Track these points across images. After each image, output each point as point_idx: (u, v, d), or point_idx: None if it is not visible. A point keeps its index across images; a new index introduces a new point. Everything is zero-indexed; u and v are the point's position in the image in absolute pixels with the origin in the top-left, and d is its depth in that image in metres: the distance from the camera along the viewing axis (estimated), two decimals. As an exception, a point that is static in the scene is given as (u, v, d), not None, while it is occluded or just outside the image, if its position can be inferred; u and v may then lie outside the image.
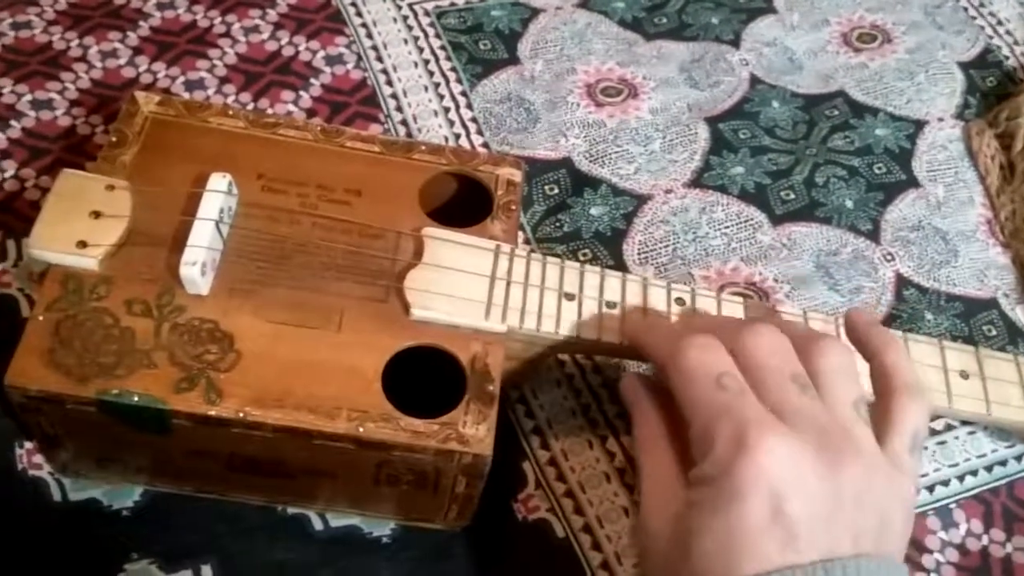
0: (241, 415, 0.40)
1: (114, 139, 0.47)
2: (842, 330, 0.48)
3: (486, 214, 0.48)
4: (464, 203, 0.50)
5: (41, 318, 0.41)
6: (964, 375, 0.49)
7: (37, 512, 0.45)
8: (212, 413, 0.40)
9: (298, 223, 0.45)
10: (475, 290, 0.44)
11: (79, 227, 0.42)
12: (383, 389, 0.41)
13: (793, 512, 0.34)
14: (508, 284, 0.45)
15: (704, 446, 0.37)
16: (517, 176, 0.49)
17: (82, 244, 0.42)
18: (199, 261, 0.41)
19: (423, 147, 0.49)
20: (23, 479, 0.46)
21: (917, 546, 0.50)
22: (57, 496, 0.46)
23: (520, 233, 0.57)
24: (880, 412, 0.40)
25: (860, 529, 0.36)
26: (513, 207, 0.48)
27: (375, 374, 0.42)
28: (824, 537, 0.35)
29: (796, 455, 0.35)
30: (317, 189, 0.46)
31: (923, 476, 0.52)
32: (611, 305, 0.46)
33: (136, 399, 0.39)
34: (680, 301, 0.47)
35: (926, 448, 0.53)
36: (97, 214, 0.43)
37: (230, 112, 0.49)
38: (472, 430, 0.41)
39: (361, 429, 0.40)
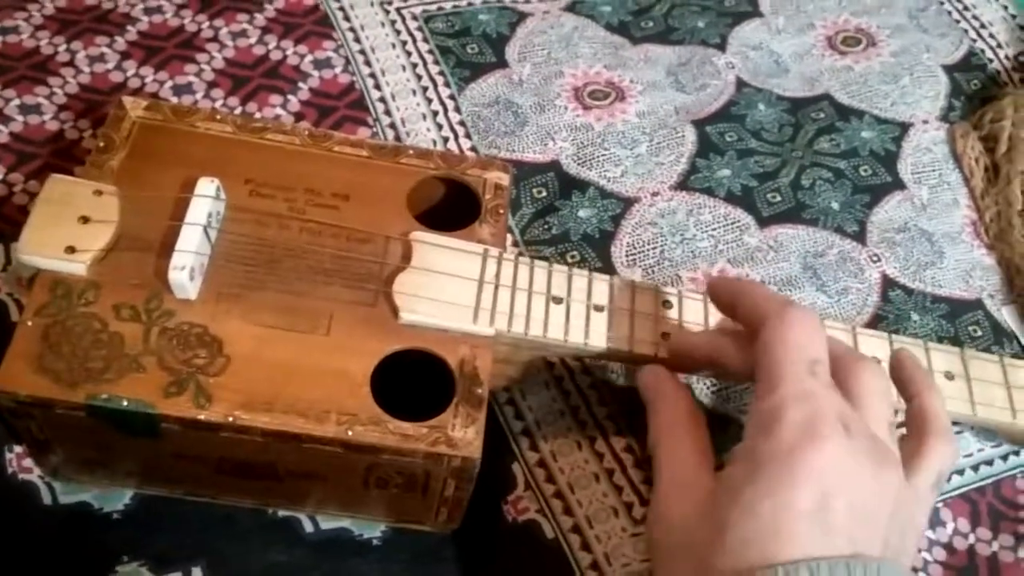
0: (230, 419, 0.40)
1: (101, 144, 0.47)
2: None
3: (474, 218, 0.48)
4: (452, 207, 0.50)
5: (30, 323, 0.41)
6: (949, 376, 0.49)
7: (27, 516, 0.45)
8: (201, 417, 0.40)
9: (286, 227, 0.45)
10: (463, 294, 0.44)
11: (67, 232, 0.43)
12: (372, 393, 0.41)
13: (838, 507, 0.36)
14: (496, 288, 0.45)
15: (769, 421, 0.37)
16: (505, 180, 0.50)
17: (71, 249, 0.42)
18: (187, 266, 0.41)
19: (411, 151, 0.50)
20: (13, 483, 0.46)
21: (904, 545, 0.51)
22: (48, 500, 0.46)
23: (508, 236, 0.57)
24: (911, 447, 0.42)
25: (888, 537, 0.37)
26: (501, 211, 0.48)
27: (364, 378, 0.42)
28: (858, 536, 0.36)
29: (854, 456, 0.37)
30: (305, 193, 0.47)
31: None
32: (599, 308, 0.46)
33: (125, 404, 0.39)
34: (668, 304, 0.47)
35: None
36: (85, 219, 0.43)
37: (218, 117, 0.49)
38: (461, 433, 0.41)
39: (350, 432, 0.40)
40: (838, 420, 0.37)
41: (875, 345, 0.49)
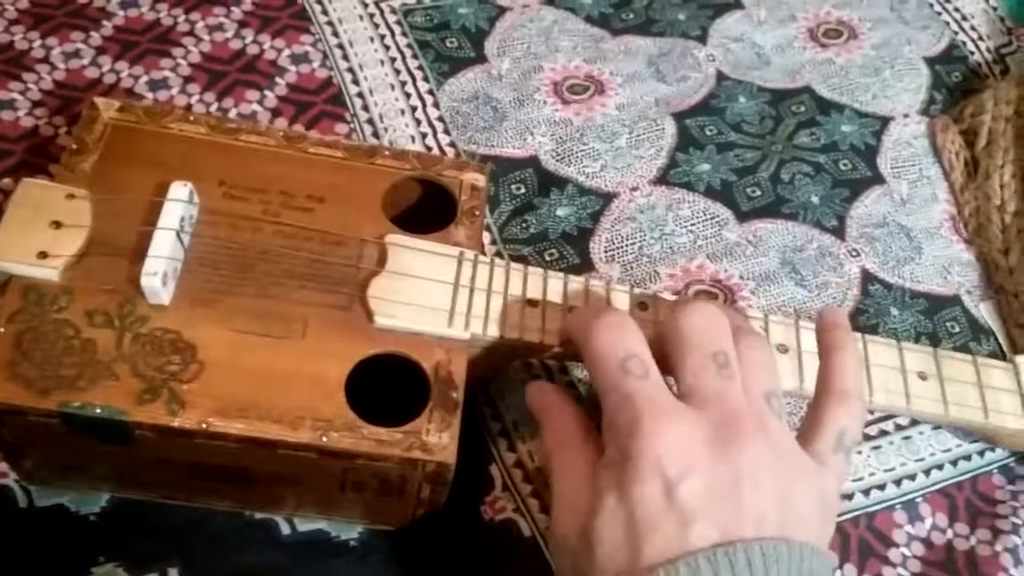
0: (204, 426, 0.40)
1: (74, 146, 0.46)
2: (801, 332, 0.48)
3: (450, 219, 0.48)
4: (429, 207, 0.50)
5: (2, 330, 0.41)
6: (923, 376, 0.49)
7: (3, 519, 0.45)
8: (175, 424, 0.40)
9: (260, 231, 0.45)
10: (438, 298, 0.44)
11: (39, 237, 0.42)
12: (347, 397, 0.42)
13: (686, 493, 0.35)
14: (471, 291, 0.45)
15: (609, 431, 0.38)
16: (481, 181, 0.50)
17: (43, 255, 0.42)
18: (160, 271, 0.41)
19: (387, 152, 0.49)
20: (-11, 487, 0.46)
21: (884, 539, 0.51)
22: (23, 503, 0.46)
23: (487, 234, 0.57)
24: (811, 410, 0.41)
25: (762, 512, 0.36)
26: (477, 212, 0.48)
27: (339, 383, 0.42)
28: (722, 518, 0.35)
29: (689, 437, 0.36)
30: (279, 196, 0.46)
31: (889, 470, 0.53)
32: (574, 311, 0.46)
33: (98, 411, 0.39)
34: (643, 306, 0.47)
35: (892, 443, 0.54)
36: (57, 224, 0.43)
37: (191, 118, 0.48)
38: (435, 438, 0.41)
39: (324, 439, 0.40)
40: (673, 404, 0.37)
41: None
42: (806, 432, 0.41)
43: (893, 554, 0.51)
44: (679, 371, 0.39)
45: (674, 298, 0.48)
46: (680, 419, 0.37)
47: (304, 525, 0.47)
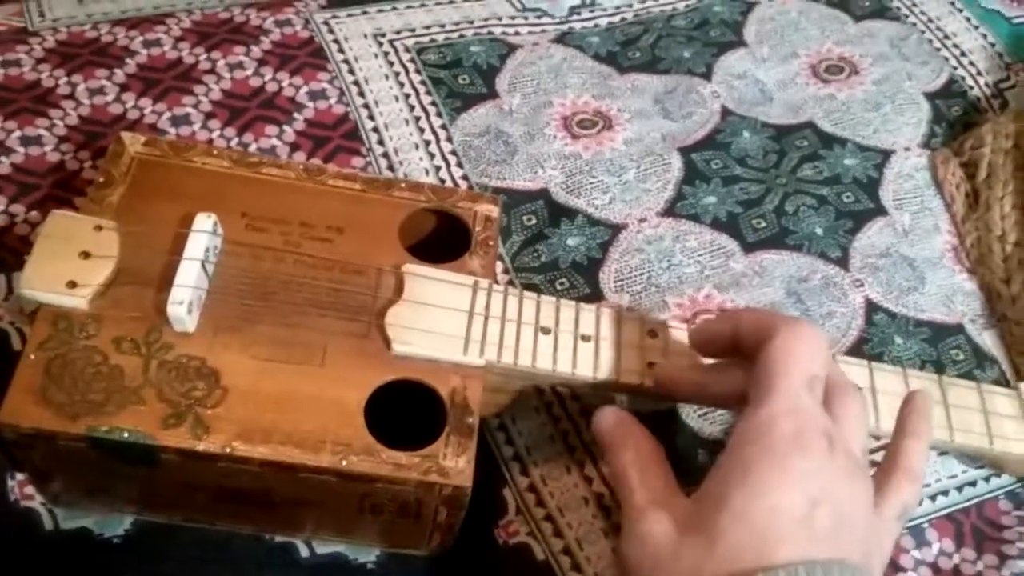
0: (228, 450, 0.41)
1: (101, 180, 0.48)
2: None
3: (465, 248, 0.50)
4: (443, 238, 0.51)
5: (32, 356, 0.42)
6: (927, 402, 0.50)
7: (30, 541, 0.46)
8: (199, 448, 0.41)
9: (281, 260, 0.47)
10: (454, 325, 0.46)
11: (68, 267, 0.44)
12: (366, 422, 0.43)
13: (823, 515, 0.38)
14: (486, 319, 0.46)
15: (763, 430, 0.39)
16: (494, 212, 0.51)
17: (72, 284, 0.43)
18: (186, 300, 0.42)
19: (403, 184, 0.51)
20: (16, 510, 0.47)
21: (892, 565, 0.51)
22: (49, 525, 0.47)
23: (499, 263, 0.58)
24: (882, 478, 0.44)
25: (866, 550, 0.39)
26: (491, 242, 0.50)
27: (358, 408, 0.43)
28: (839, 546, 0.38)
29: (835, 469, 0.39)
30: (300, 227, 0.48)
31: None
32: (586, 338, 0.47)
33: (125, 435, 0.41)
34: (653, 333, 0.48)
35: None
36: (86, 254, 0.44)
37: (214, 152, 0.50)
38: (452, 462, 0.42)
39: (344, 462, 0.41)
40: (824, 435, 0.39)
41: (855, 373, 0.50)
42: (878, 493, 0.43)
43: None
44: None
45: (683, 327, 0.49)
46: (831, 451, 0.39)
47: (323, 548, 0.48)
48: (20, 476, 0.47)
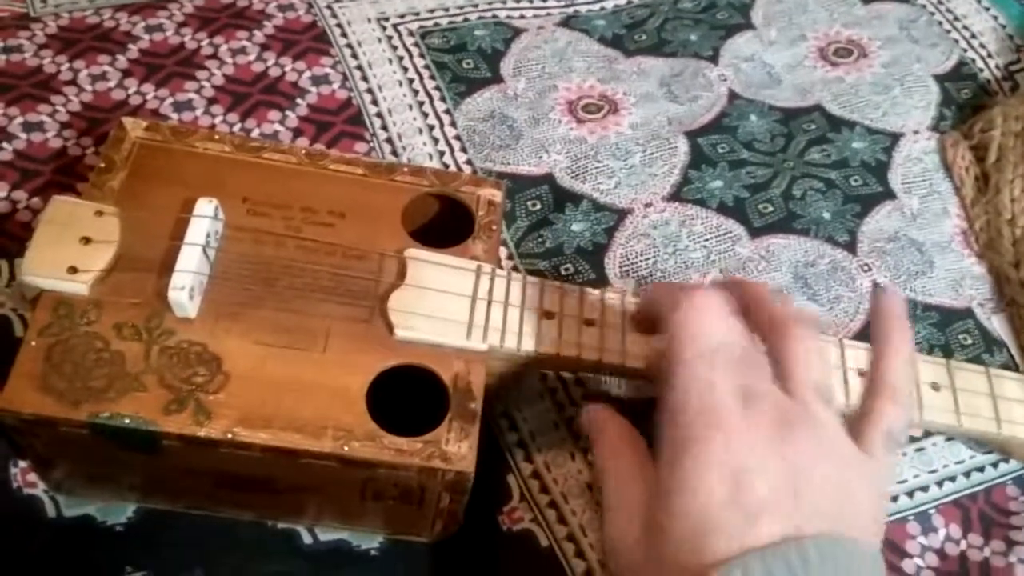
0: (229, 436, 0.41)
1: (102, 165, 0.48)
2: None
3: (468, 233, 0.49)
4: (446, 223, 0.51)
5: (33, 343, 0.42)
6: (935, 387, 0.50)
7: (32, 529, 0.46)
8: (201, 434, 0.41)
9: (283, 246, 0.46)
10: (457, 310, 0.45)
11: (69, 253, 0.44)
12: (368, 408, 0.42)
13: (753, 486, 0.35)
14: (489, 304, 0.46)
15: (671, 418, 0.38)
16: (498, 196, 0.51)
17: (72, 270, 0.43)
18: (187, 286, 0.42)
19: (405, 169, 0.51)
20: (18, 497, 0.47)
21: (897, 551, 0.51)
22: (52, 513, 0.47)
23: (503, 249, 0.58)
24: (861, 407, 0.41)
25: (820, 508, 0.36)
26: (494, 227, 0.49)
27: (360, 393, 0.43)
28: (785, 514, 0.35)
29: (757, 429, 0.37)
30: (301, 212, 0.48)
31: (902, 482, 0.53)
32: (590, 323, 0.47)
33: (127, 421, 0.40)
34: (657, 317, 0.48)
35: (904, 454, 0.54)
36: (87, 240, 0.44)
37: (216, 137, 0.50)
38: (455, 448, 0.42)
39: (346, 448, 0.41)
40: (737, 398, 0.37)
41: (863, 357, 0.49)
42: (856, 426, 0.40)
43: (907, 565, 0.51)
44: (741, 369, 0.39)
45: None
46: (748, 411, 0.37)
47: (326, 535, 0.48)
48: (23, 464, 0.47)
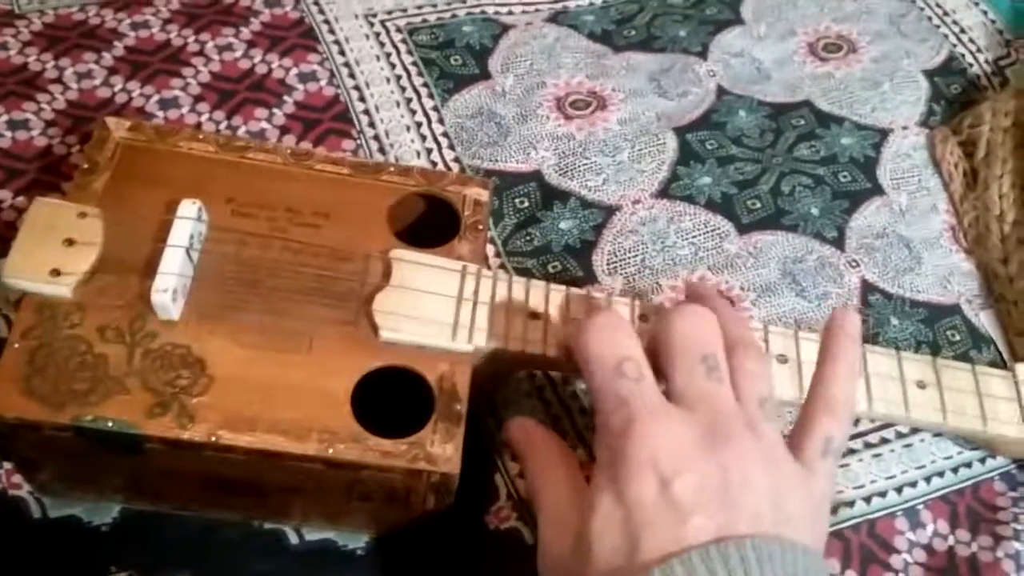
0: (213, 439, 0.41)
1: (85, 166, 0.47)
2: (801, 342, 0.49)
3: (454, 233, 0.49)
4: (433, 222, 0.51)
5: (16, 345, 0.42)
6: (921, 385, 0.50)
7: (18, 530, 0.46)
8: (184, 437, 0.41)
9: (268, 247, 0.46)
10: (442, 311, 0.45)
11: (52, 255, 0.43)
12: (353, 410, 0.42)
13: (681, 489, 0.36)
14: (475, 304, 0.46)
15: (602, 433, 0.39)
16: (484, 196, 0.50)
17: (55, 272, 0.43)
18: (170, 288, 0.42)
19: (391, 168, 0.50)
20: (3, 499, 0.47)
21: (886, 546, 0.51)
22: (37, 514, 0.47)
23: (491, 247, 0.58)
24: (800, 416, 0.42)
25: (756, 509, 0.36)
26: (480, 227, 0.49)
27: (345, 396, 0.43)
28: (718, 514, 0.36)
29: (681, 436, 0.37)
30: (286, 212, 0.47)
31: (890, 478, 0.54)
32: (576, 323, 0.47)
33: (110, 425, 0.40)
34: (644, 318, 0.48)
35: (892, 451, 0.54)
36: (70, 242, 0.44)
37: (200, 136, 0.50)
38: (440, 449, 0.42)
39: (331, 451, 0.41)
40: (664, 405, 0.38)
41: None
42: (794, 438, 0.41)
43: (895, 560, 0.51)
44: (669, 374, 0.40)
45: (674, 310, 0.49)
46: (671, 419, 0.38)
47: (312, 534, 0.48)
48: (7, 465, 0.47)
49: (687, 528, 0.35)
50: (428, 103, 0.64)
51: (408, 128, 0.63)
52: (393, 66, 0.65)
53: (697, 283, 0.58)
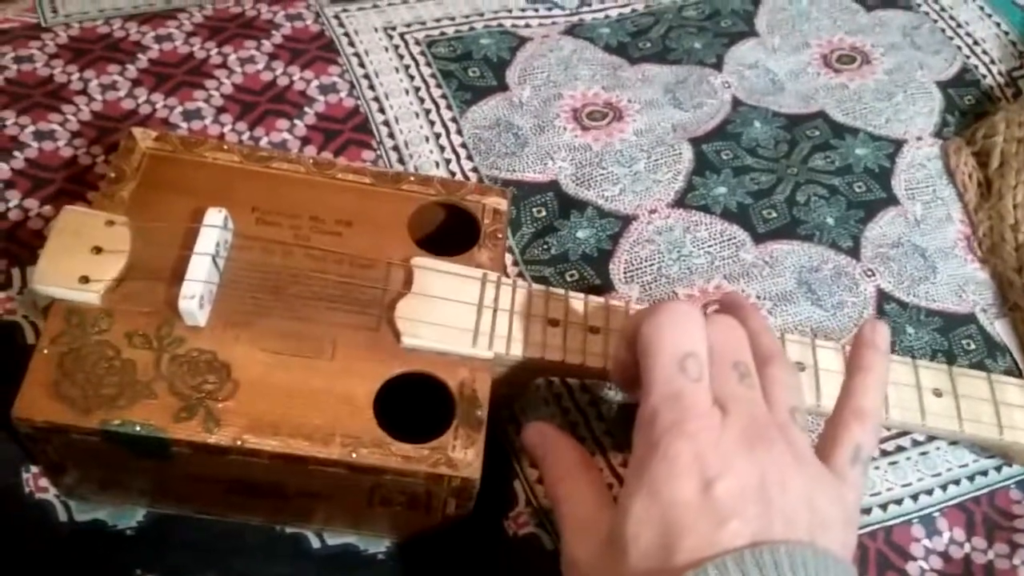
0: (238, 443, 0.41)
1: (113, 175, 0.48)
2: (818, 350, 0.50)
3: (474, 242, 0.50)
4: (453, 231, 0.51)
5: (46, 351, 0.42)
6: (938, 393, 0.50)
7: (44, 533, 0.47)
8: (210, 441, 0.41)
9: (291, 254, 0.47)
10: (463, 318, 0.46)
11: (81, 262, 0.44)
12: (376, 415, 0.43)
13: (721, 493, 0.36)
14: (495, 312, 0.47)
15: (646, 429, 0.38)
16: (503, 205, 0.51)
17: (84, 279, 0.44)
18: (197, 295, 0.43)
19: (412, 178, 0.51)
20: (30, 502, 0.47)
21: (902, 553, 0.52)
22: (63, 517, 0.47)
23: (509, 255, 0.58)
24: (828, 425, 0.42)
25: (792, 514, 0.37)
26: (499, 235, 0.50)
27: (367, 401, 0.43)
28: (754, 518, 0.36)
29: (723, 439, 0.37)
30: (310, 221, 0.48)
31: (906, 485, 0.54)
32: (595, 330, 0.47)
33: (138, 429, 0.41)
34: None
35: (909, 459, 0.55)
36: (98, 249, 0.45)
37: (225, 147, 0.50)
38: (461, 454, 0.43)
39: (354, 455, 0.42)
40: (711, 408, 0.38)
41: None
42: (823, 446, 0.42)
43: (911, 567, 0.51)
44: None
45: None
46: (716, 421, 0.38)
47: (333, 539, 0.48)
48: (34, 469, 0.48)
49: (724, 532, 0.35)
50: (447, 114, 0.65)
51: (427, 139, 0.63)
52: (412, 78, 0.66)
53: (732, 293, 0.58)
